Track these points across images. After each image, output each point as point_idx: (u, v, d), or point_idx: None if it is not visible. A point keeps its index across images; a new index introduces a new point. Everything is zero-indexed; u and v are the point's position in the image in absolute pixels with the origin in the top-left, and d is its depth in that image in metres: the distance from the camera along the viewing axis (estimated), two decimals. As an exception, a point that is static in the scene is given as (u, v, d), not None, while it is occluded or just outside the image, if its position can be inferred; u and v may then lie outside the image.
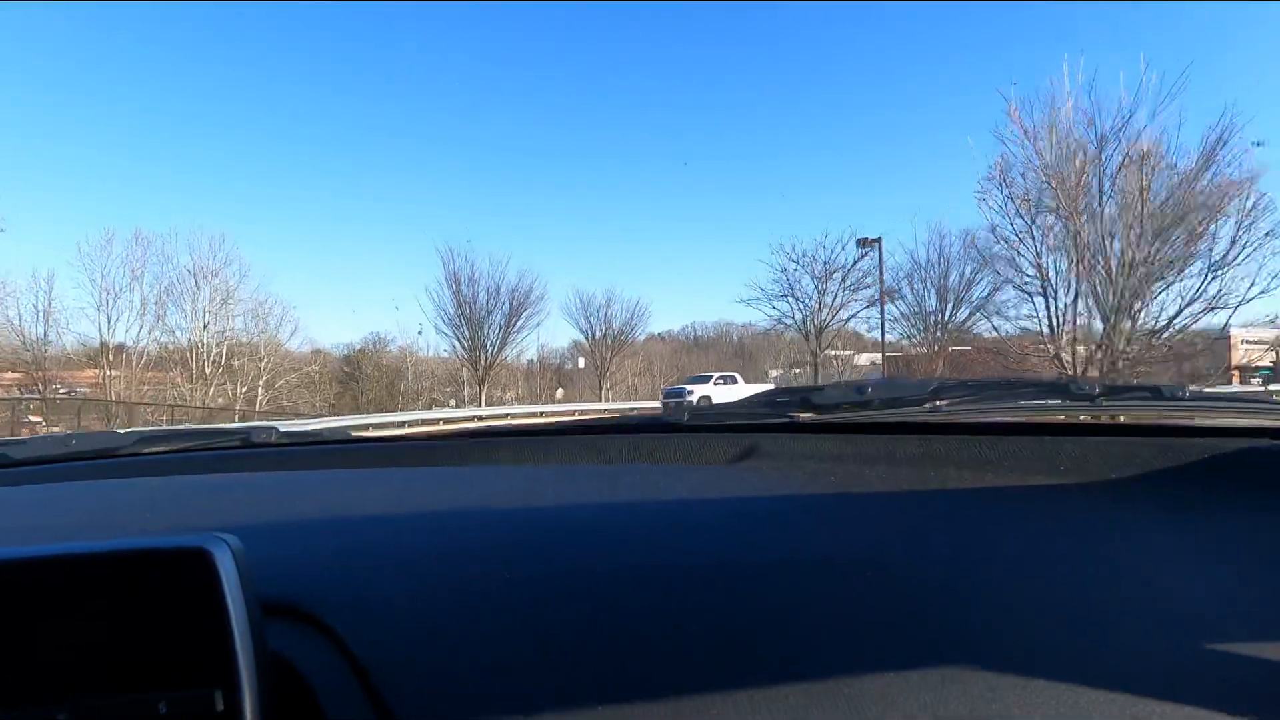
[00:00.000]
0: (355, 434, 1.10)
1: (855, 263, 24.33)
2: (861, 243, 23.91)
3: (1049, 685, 0.42)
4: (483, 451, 0.98)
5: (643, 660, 0.43)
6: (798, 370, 28.25)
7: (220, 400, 23.20)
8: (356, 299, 61.11)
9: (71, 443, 1.06)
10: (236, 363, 24.13)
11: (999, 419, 0.91)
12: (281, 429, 1.10)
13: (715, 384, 22.53)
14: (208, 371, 23.54)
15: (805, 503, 0.67)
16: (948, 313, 23.21)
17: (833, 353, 27.63)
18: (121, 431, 1.19)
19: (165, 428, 1.46)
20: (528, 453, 0.96)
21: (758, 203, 59.70)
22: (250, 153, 45.54)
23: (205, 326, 23.82)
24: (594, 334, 32.53)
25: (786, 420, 0.97)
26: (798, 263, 24.68)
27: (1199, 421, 0.87)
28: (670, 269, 65.00)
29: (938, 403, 0.94)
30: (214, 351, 23.84)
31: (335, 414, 22.69)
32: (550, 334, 52.12)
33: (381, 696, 0.42)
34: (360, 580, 0.52)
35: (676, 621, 0.46)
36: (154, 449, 1.04)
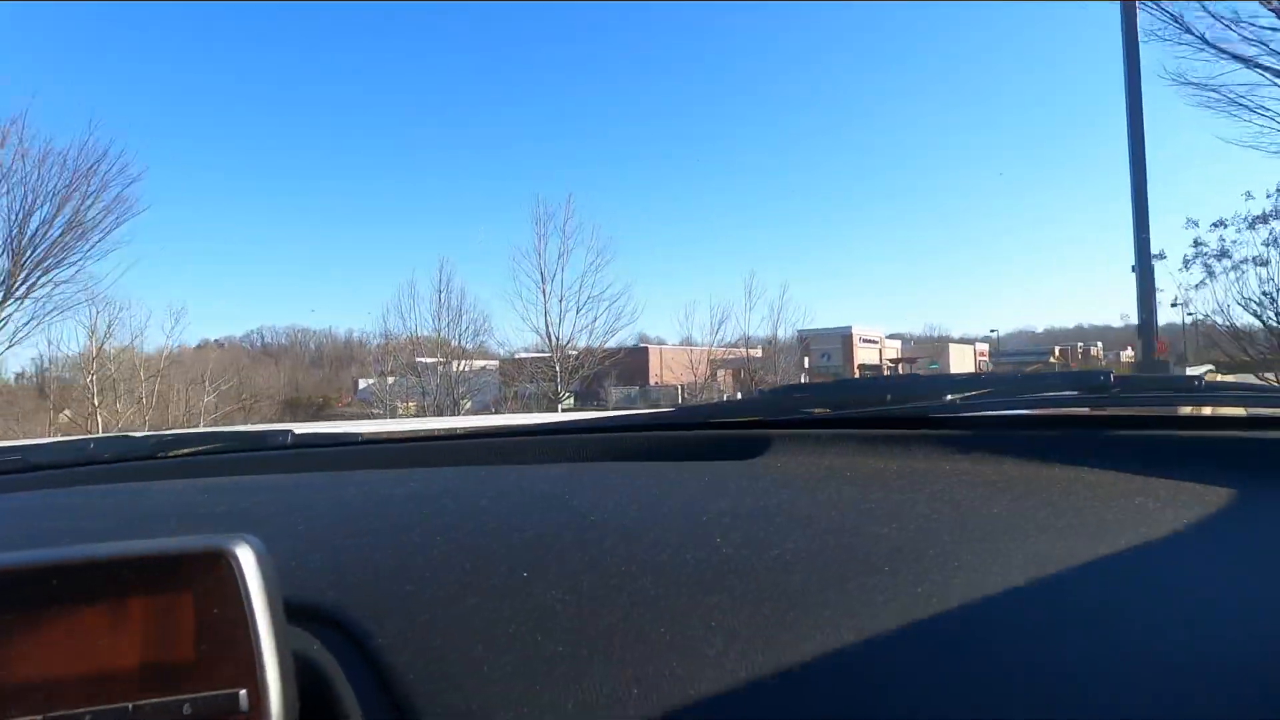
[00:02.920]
0: (370, 434, 1.11)
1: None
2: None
3: (1069, 683, 0.41)
4: (500, 451, 0.98)
5: (670, 660, 0.43)
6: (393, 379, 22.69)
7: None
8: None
9: (90, 447, 1.06)
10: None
11: (1017, 412, 0.91)
12: (297, 431, 1.11)
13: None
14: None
15: (821, 499, 0.67)
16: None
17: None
18: (138, 435, 1.20)
19: (180, 431, 1.47)
20: (546, 451, 0.96)
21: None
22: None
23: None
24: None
25: (803, 416, 0.97)
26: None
27: (1221, 413, 0.87)
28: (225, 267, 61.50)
29: (954, 398, 0.94)
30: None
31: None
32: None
33: (403, 698, 0.42)
34: (381, 581, 0.52)
35: (704, 620, 0.46)
36: (170, 452, 1.04)
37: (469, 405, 22.52)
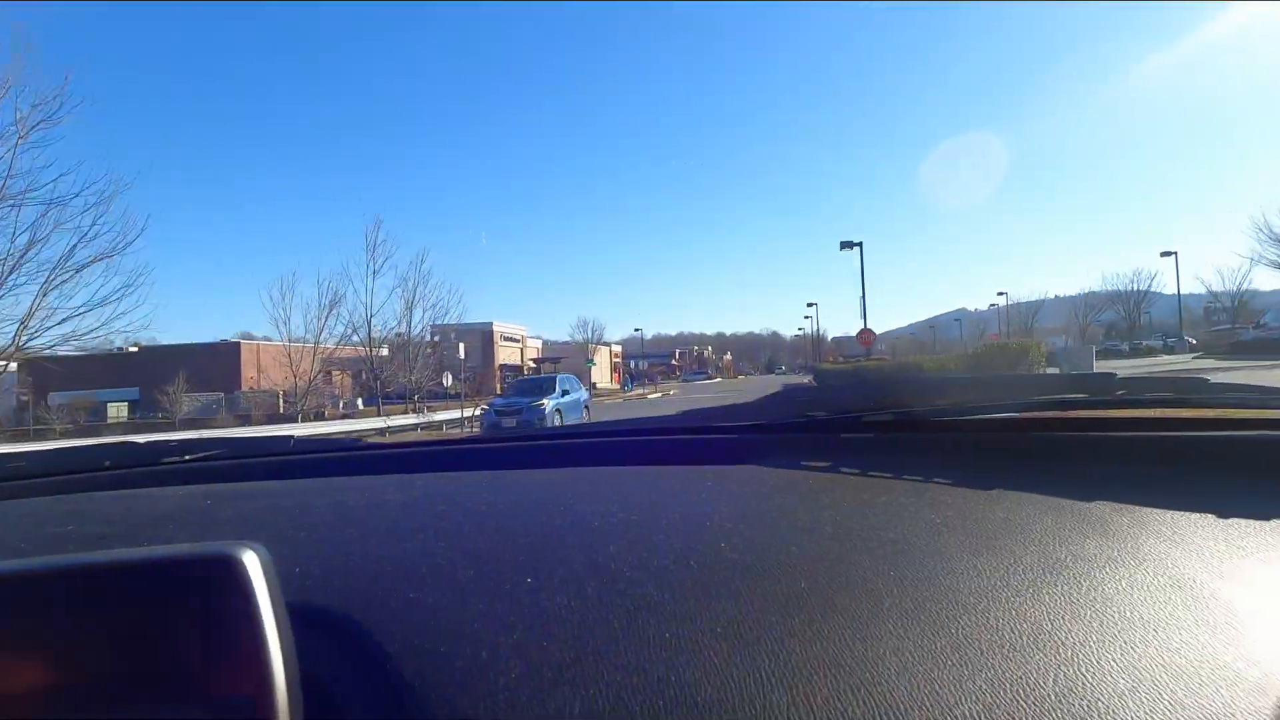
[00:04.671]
0: (372, 440, 1.14)
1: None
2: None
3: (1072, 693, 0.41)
4: (501, 456, 0.99)
5: (675, 665, 0.43)
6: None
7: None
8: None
9: (95, 454, 1.08)
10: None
11: (1019, 415, 0.90)
12: (299, 436, 1.14)
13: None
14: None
15: (824, 502, 0.66)
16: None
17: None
18: (140, 441, 1.19)
19: (183, 437, 1.42)
20: (549, 456, 0.97)
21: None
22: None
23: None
24: None
25: (805, 420, 0.98)
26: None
27: (1226, 414, 0.86)
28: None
29: (955, 401, 0.95)
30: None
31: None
32: None
33: (408, 705, 0.42)
34: (385, 589, 0.51)
35: (709, 625, 0.46)
36: (173, 459, 1.05)
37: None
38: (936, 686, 0.41)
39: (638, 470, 0.83)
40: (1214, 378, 0.96)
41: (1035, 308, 69.63)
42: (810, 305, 61.59)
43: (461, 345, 27.52)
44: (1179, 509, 0.62)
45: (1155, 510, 0.62)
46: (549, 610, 0.47)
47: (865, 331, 26.18)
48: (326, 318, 28.62)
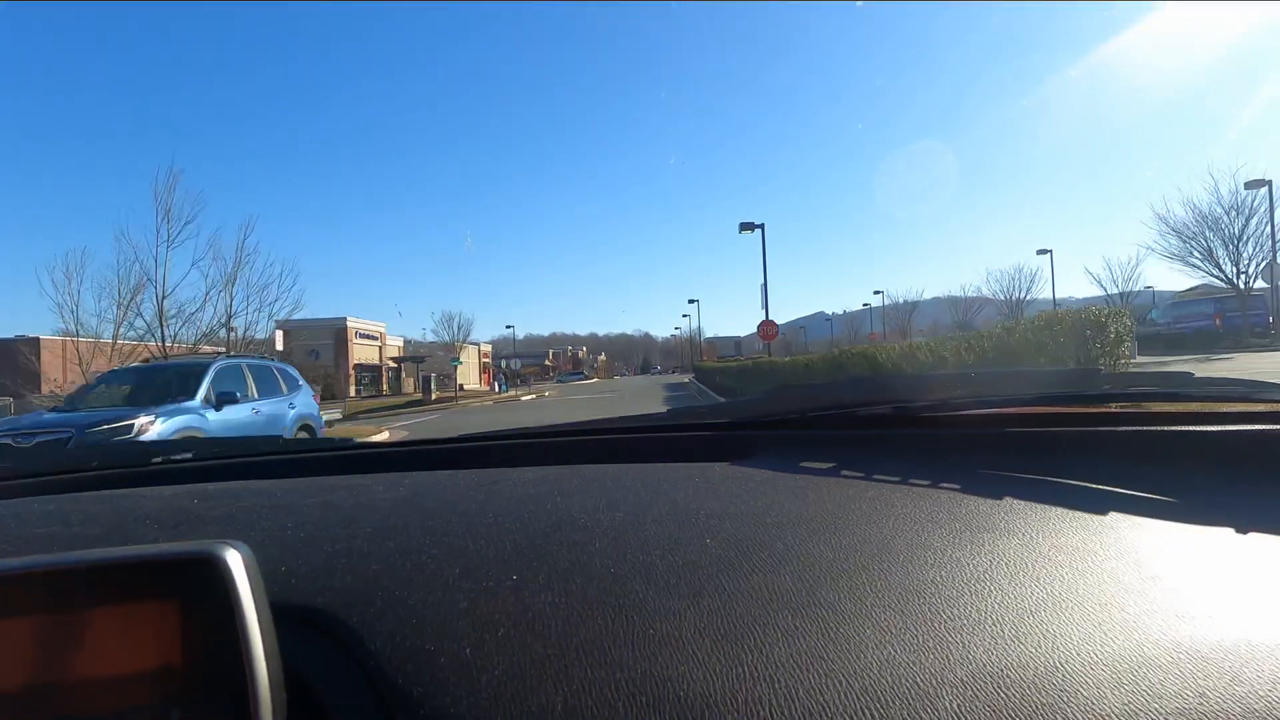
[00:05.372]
0: (361, 440, 1.11)
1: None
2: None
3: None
4: (489, 455, 0.99)
5: (660, 662, 0.43)
6: None
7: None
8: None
9: (79, 453, 1.07)
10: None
11: (1007, 410, 0.89)
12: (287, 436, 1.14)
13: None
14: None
15: (810, 499, 0.66)
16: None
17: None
18: (130, 441, 1.33)
19: (173, 437, 1.32)
20: (535, 454, 0.97)
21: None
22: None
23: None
24: None
25: (792, 417, 0.98)
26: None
27: (1219, 408, 0.85)
28: None
29: (944, 397, 0.95)
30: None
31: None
32: None
33: (392, 702, 0.42)
34: (370, 585, 0.51)
35: (694, 622, 0.46)
36: (159, 459, 1.05)
37: None
38: (918, 679, 0.41)
39: (624, 468, 0.83)
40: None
41: (911, 308, 70.93)
42: (692, 302, 60.31)
43: (280, 335, 22.64)
44: (1161, 502, 0.63)
45: (1138, 503, 0.63)
46: (534, 608, 0.47)
47: (767, 324, 22.15)
48: (129, 305, 22.45)
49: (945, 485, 0.68)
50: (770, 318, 22.46)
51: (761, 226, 22.65)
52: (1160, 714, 0.39)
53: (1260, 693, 0.40)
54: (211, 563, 0.39)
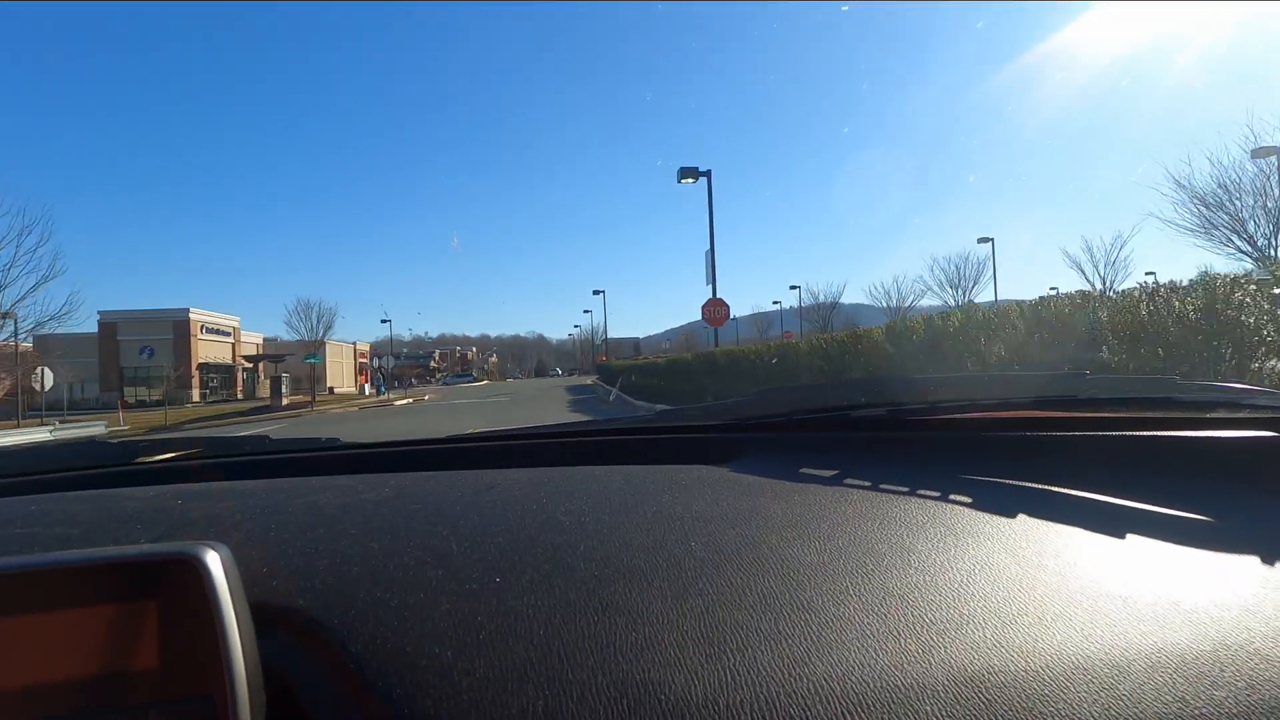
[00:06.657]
0: (347, 441, 1.08)
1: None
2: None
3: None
4: (475, 456, 0.99)
5: (642, 665, 0.43)
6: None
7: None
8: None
9: (62, 453, 1.06)
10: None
11: (992, 415, 0.90)
12: (273, 437, 1.12)
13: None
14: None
15: (796, 501, 0.66)
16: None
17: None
18: (112, 441, 1.18)
19: (153, 437, 1.26)
20: (520, 456, 0.97)
21: None
22: None
23: None
24: None
25: (779, 419, 0.98)
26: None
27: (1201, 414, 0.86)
28: None
29: (931, 400, 0.97)
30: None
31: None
32: None
33: (373, 704, 0.42)
34: (353, 586, 0.51)
35: (677, 625, 0.46)
36: (143, 459, 1.03)
37: None
38: (900, 683, 0.41)
39: (610, 470, 0.83)
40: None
41: (831, 307, 68.84)
42: (597, 293, 55.07)
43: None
44: (1145, 509, 0.63)
45: (1121, 510, 0.63)
46: (516, 610, 0.47)
47: (715, 303, 17.58)
48: None
49: (930, 490, 0.68)
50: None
51: (708, 174, 18.26)
52: (1140, 719, 0.40)
53: (1239, 697, 0.41)
54: (191, 564, 0.39)
